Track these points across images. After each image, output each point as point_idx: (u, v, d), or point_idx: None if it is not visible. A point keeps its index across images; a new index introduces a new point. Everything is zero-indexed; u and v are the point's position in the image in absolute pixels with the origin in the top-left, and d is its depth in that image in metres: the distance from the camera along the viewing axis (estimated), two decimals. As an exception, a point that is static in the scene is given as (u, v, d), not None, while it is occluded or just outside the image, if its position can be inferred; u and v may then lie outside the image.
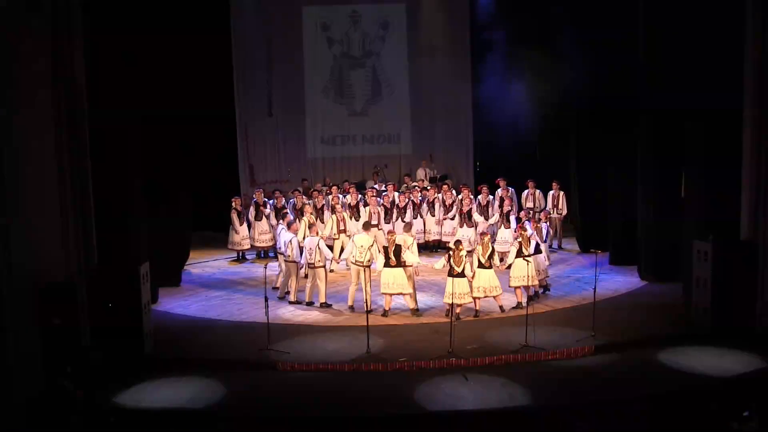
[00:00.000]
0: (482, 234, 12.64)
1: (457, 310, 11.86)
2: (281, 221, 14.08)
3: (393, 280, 11.99)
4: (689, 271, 11.69)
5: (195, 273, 15.51)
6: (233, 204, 16.11)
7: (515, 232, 13.11)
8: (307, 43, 19.69)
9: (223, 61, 18.67)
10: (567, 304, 12.63)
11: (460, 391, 9.54)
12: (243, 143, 19.34)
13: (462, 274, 11.68)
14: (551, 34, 17.14)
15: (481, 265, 11.95)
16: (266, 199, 16.38)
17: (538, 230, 12.90)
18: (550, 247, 16.22)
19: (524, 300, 12.17)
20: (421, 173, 18.52)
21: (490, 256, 12.01)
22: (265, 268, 11.60)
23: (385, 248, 12.12)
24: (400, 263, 11.99)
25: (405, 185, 17.69)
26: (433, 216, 16.08)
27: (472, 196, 15.99)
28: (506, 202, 15.51)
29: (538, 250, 12.60)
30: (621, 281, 13.97)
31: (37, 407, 9.00)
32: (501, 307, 12.18)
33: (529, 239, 12.37)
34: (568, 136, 16.75)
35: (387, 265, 12.02)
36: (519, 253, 12.20)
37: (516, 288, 12.32)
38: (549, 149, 18.58)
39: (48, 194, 9.80)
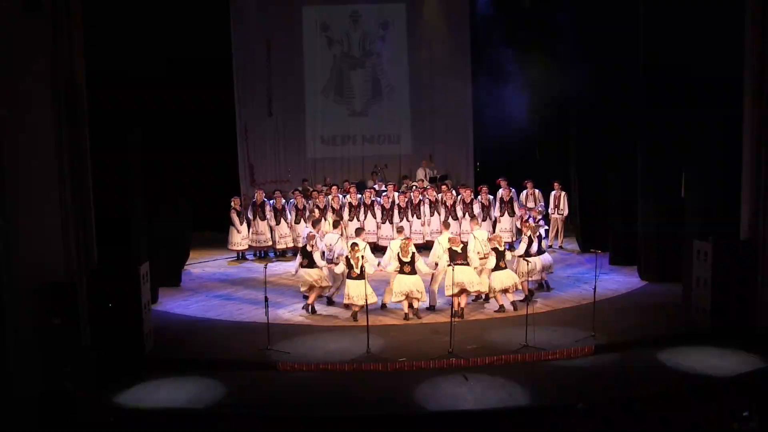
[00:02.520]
0: (406, 238, 12.51)
1: (463, 304, 11.89)
2: (307, 223, 14.00)
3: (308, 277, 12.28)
4: (689, 271, 11.69)
5: (195, 273, 15.52)
6: (232, 204, 16.13)
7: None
8: (307, 43, 19.69)
9: (224, 60, 18.67)
10: (567, 304, 12.63)
11: (460, 391, 9.54)
12: (243, 143, 19.34)
13: (361, 276, 11.69)
14: (551, 34, 17.14)
15: (402, 270, 11.85)
16: (266, 199, 16.39)
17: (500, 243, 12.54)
18: (549, 247, 16.32)
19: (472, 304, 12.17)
20: (421, 173, 18.52)
21: (412, 261, 11.84)
22: (265, 268, 11.60)
23: (303, 248, 12.41)
24: (312, 263, 12.23)
25: (405, 185, 17.70)
26: (440, 215, 16.04)
27: (458, 196, 16.07)
28: (516, 205, 15.53)
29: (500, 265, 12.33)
30: (621, 281, 13.96)
31: (37, 407, 9.00)
32: (417, 313, 12.02)
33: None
34: (569, 135, 16.75)
35: (301, 265, 12.34)
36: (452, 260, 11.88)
37: (452, 296, 12.01)
38: (549, 149, 18.57)
39: (48, 194, 9.79)
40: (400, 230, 13.41)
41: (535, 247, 12.63)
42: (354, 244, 12.02)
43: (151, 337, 11.05)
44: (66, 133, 10.03)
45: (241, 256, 16.45)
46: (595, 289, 11.42)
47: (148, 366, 10.47)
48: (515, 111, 18.31)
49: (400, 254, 11.90)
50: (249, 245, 16.30)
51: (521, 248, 12.48)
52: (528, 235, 12.58)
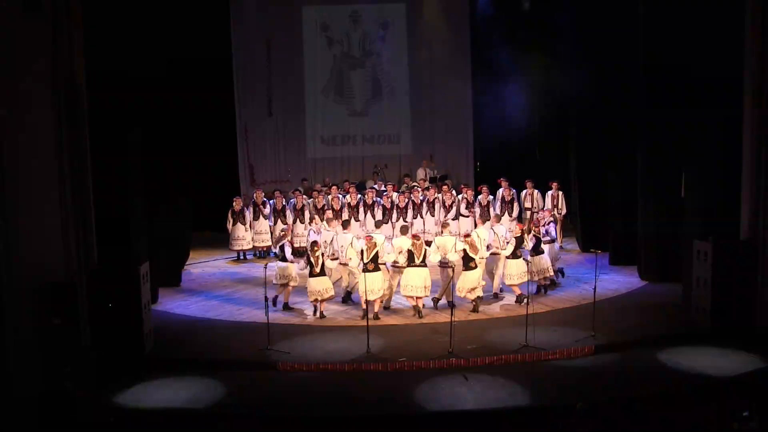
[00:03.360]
0: (367, 236, 12.49)
1: (376, 308, 11.95)
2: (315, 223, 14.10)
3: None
4: (689, 271, 11.69)
5: (195, 273, 15.52)
6: (234, 204, 16.14)
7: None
8: (307, 43, 19.69)
9: (224, 60, 18.67)
10: (567, 304, 12.62)
11: (460, 391, 9.54)
12: (243, 143, 19.35)
13: (322, 273, 11.95)
14: (551, 34, 17.14)
15: (366, 269, 11.81)
16: (266, 199, 16.39)
17: (537, 232, 12.83)
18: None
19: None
20: (421, 173, 18.52)
21: (375, 259, 11.82)
22: (265, 268, 11.59)
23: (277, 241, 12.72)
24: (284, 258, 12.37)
25: (405, 185, 17.70)
26: (433, 216, 16.08)
27: (459, 196, 16.10)
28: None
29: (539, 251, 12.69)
30: (621, 281, 13.96)
31: (37, 407, 8.99)
32: (375, 314, 11.97)
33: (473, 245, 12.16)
34: (569, 135, 16.74)
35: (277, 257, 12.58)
36: (411, 262, 11.96)
37: (407, 296, 12.14)
38: (549, 149, 18.57)
39: (48, 194, 9.79)
40: (445, 226, 13.19)
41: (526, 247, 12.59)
42: (314, 243, 12.24)
43: (151, 337, 11.05)
44: (66, 133, 10.03)
45: (242, 257, 16.45)
46: (595, 289, 11.41)
47: (148, 366, 10.47)
48: (515, 111, 18.33)
49: (364, 253, 11.89)
50: (252, 245, 16.30)
51: (509, 249, 12.50)
52: (517, 236, 12.48)
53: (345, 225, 13.39)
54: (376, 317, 11.91)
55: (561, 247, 16.50)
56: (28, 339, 9.26)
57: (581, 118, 16.08)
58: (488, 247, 12.57)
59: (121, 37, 11.60)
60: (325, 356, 10.60)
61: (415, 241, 12.04)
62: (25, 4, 9.42)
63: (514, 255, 12.44)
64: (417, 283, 11.95)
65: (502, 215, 15.77)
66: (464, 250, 12.05)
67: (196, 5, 16.54)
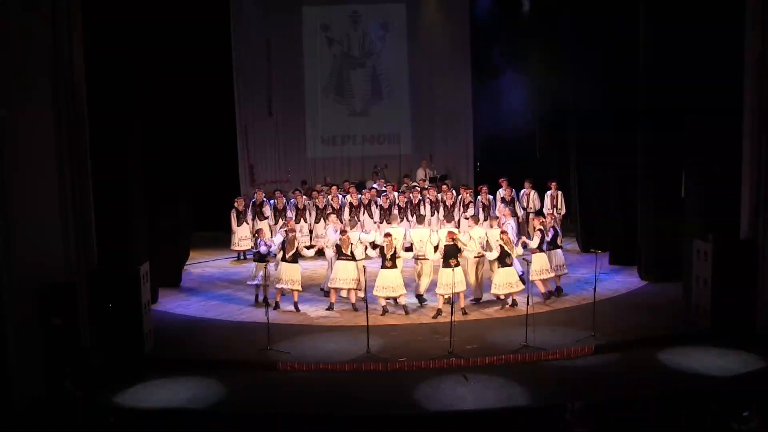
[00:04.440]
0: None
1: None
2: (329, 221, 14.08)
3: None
4: (689, 270, 11.69)
5: (195, 273, 15.52)
6: (235, 204, 16.13)
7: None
8: (307, 43, 19.69)
9: (224, 60, 18.68)
10: (567, 304, 12.62)
11: (460, 391, 9.54)
12: (243, 143, 19.35)
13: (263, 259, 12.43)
14: (551, 35, 17.14)
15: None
16: (266, 199, 16.39)
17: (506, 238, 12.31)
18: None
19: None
20: (421, 173, 18.52)
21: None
22: (266, 268, 11.58)
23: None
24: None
25: (405, 185, 17.70)
26: (433, 216, 16.06)
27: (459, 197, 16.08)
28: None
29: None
30: (621, 281, 13.95)
31: (37, 407, 8.99)
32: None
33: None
34: (568, 135, 16.74)
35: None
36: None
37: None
38: (549, 149, 18.57)
39: (48, 194, 9.80)
40: (478, 219, 13.40)
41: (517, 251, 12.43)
42: (259, 230, 12.87)
43: (151, 337, 11.05)
44: (66, 133, 10.04)
45: (242, 257, 16.44)
46: (595, 289, 11.42)
47: (148, 366, 10.47)
48: (515, 111, 18.31)
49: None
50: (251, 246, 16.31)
51: (434, 255, 12.24)
52: (447, 244, 11.95)
53: (420, 220, 13.39)
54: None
55: (560, 246, 16.42)
56: (28, 339, 9.26)
57: (581, 118, 16.05)
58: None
59: (121, 37, 11.59)
60: (325, 356, 10.61)
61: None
62: (25, 3, 9.42)
63: (447, 264, 11.80)
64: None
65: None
66: (381, 248, 12.12)
67: (196, 5, 16.53)
